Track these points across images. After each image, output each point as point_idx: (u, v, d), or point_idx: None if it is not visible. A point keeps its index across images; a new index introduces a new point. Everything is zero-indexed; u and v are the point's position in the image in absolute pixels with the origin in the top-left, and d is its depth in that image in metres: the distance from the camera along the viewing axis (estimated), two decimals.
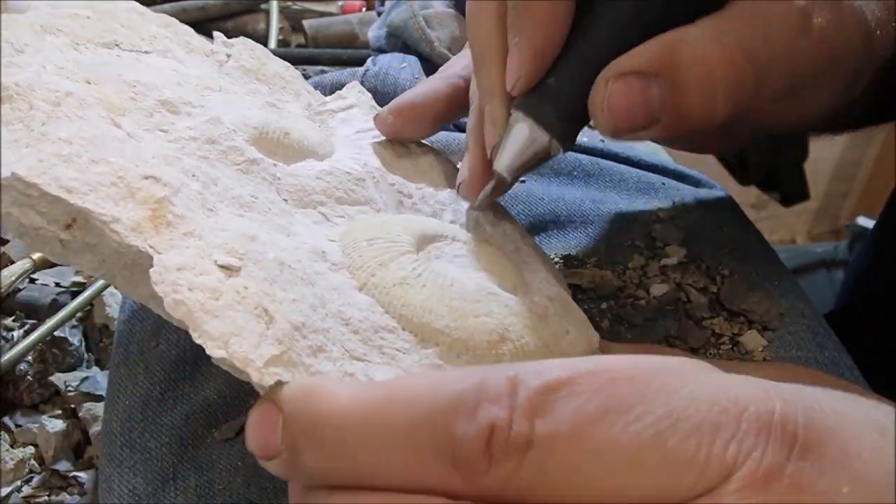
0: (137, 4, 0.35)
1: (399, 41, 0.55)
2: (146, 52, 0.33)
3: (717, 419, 0.19)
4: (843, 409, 0.21)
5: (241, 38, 0.38)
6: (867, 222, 0.96)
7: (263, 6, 0.67)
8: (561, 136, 0.31)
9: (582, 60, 0.30)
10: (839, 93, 0.33)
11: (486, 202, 0.35)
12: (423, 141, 0.40)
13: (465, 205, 0.36)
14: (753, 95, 0.30)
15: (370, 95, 0.41)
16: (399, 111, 0.38)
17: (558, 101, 0.31)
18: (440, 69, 0.41)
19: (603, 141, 0.49)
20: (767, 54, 0.30)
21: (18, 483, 0.47)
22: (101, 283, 0.52)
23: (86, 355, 0.53)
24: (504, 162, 0.32)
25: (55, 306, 0.47)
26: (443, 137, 0.45)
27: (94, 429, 0.49)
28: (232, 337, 0.22)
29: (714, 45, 0.29)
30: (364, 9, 0.70)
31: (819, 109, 0.33)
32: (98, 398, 0.50)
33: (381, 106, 0.46)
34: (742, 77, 0.29)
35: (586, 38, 0.31)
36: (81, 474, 0.48)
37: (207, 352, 0.22)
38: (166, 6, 0.67)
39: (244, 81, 0.36)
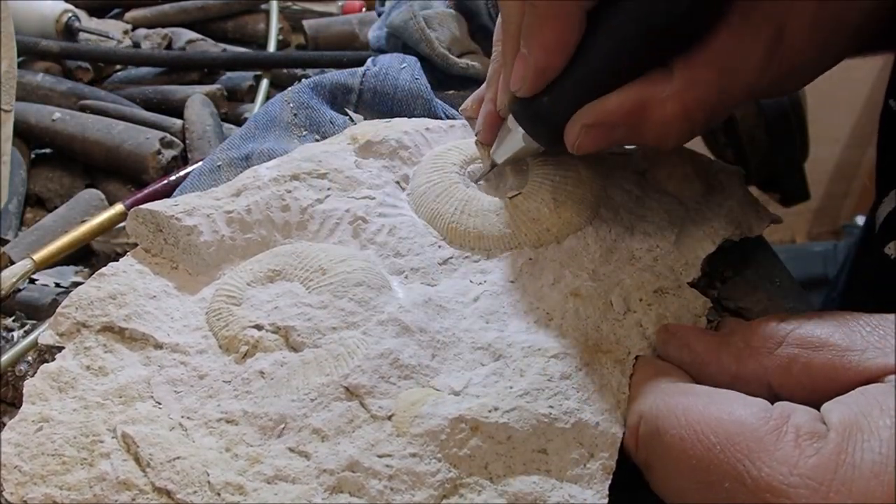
0: None
1: (399, 41, 0.55)
2: None
3: None
4: None
5: None
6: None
7: (263, 6, 0.67)
8: (546, 145, 0.38)
9: (574, 86, 0.35)
10: (842, 54, 0.35)
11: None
12: None
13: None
14: (706, 127, 0.35)
15: None
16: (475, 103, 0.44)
17: (548, 121, 0.36)
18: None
19: None
20: (732, 95, 0.33)
21: None
22: None
23: None
24: (500, 155, 0.40)
25: (55, 306, 0.47)
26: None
27: None
28: None
29: (678, 105, 0.33)
30: (364, 9, 0.70)
31: (819, 73, 0.35)
32: None
33: (381, 106, 0.47)
34: (695, 126, 0.34)
35: (580, 66, 0.34)
36: None
37: None
38: (166, 6, 0.67)
39: None
